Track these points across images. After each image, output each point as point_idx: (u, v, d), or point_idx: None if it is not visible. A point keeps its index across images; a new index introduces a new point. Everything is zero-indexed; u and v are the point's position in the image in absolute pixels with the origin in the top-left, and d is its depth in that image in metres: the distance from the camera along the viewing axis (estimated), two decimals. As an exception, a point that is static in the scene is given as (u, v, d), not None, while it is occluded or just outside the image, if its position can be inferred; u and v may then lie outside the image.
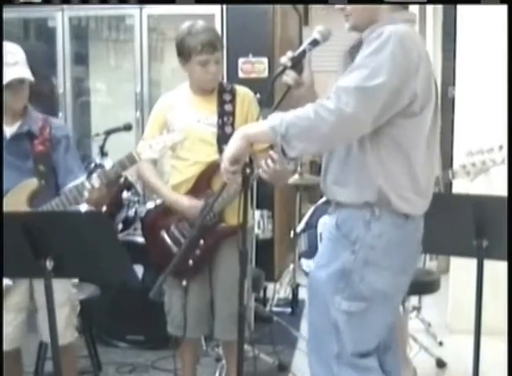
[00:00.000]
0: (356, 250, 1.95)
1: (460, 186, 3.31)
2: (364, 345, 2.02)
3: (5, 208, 2.50)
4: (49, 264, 2.01)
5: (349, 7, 1.96)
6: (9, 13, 4.52)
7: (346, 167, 1.98)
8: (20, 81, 2.51)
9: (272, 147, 2.36)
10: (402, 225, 1.96)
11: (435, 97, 1.96)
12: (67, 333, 2.63)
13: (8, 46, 2.55)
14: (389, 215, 1.94)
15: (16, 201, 2.51)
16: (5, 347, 2.56)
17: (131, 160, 2.46)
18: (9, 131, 2.59)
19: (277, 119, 1.85)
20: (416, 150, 1.94)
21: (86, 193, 2.45)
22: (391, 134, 1.90)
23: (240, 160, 1.95)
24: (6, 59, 2.48)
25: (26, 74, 2.53)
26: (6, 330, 2.54)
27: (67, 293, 2.65)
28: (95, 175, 2.46)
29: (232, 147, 1.93)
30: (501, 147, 2.79)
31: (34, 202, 2.53)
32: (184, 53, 2.69)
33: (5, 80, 2.46)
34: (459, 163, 2.89)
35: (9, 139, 2.58)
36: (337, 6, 1.99)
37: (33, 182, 2.55)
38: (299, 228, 5.12)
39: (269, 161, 2.32)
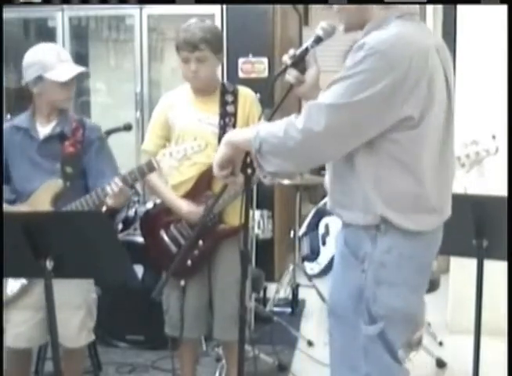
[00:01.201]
0: (365, 268, 1.84)
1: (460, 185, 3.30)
2: (397, 352, 1.90)
3: (30, 208, 2.52)
4: (49, 264, 2.01)
5: (336, 7, 1.89)
6: (9, 13, 4.52)
7: (347, 190, 1.87)
8: (73, 79, 2.57)
9: None
10: (413, 236, 1.82)
11: (448, 100, 1.81)
12: (81, 336, 2.63)
13: (53, 46, 2.69)
14: (397, 228, 1.80)
15: (41, 201, 2.53)
16: (21, 344, 2.59)
17: (150, 167, 2.44)
18: (42, 132, 2.61)
19: (254, 131, 1.80)
20: (422, 164, 1.77)
21: (107, 199, 2.45)
22: (388, 151, 1.76)
23: (228, 165, 1.92)
24: (61, 55, 2.57)
25: (83, 69, 2.61)
26: (22, 328, 2.56)
27: (83, 296, 2.64)
28: (116, 180, 2.44)
29: (218, 153, 1.92)
30: (494, 137, 2.76)
31: (58, 203, 2.54)
32: (176, 49, 2.74)
33: (68, 75, 2.53)
34: (455, 155, 2.86)
35: (42, 141, 2.60)
36: (325, 6, 1.95)
37: (57, 183, 2.56)
38: (300, 232, 5.11)
39: None
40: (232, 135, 1.95)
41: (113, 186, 2.43)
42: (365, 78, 1.66)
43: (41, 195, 2.55)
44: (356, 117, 1.69)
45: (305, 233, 5.36)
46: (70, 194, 2.55)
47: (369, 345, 1.87)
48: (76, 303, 2.58)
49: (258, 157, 1.80)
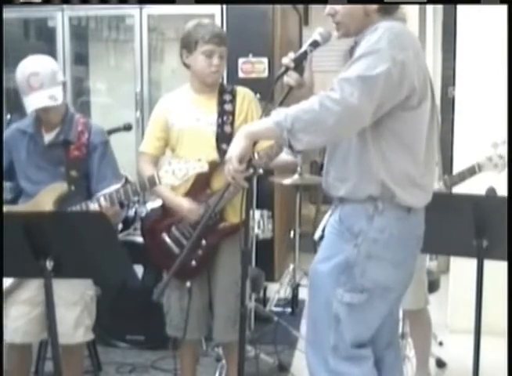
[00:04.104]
0: (359, 243, 1.97)
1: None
2: (362, 336, 2.05)
3: (32, 207, 2.54)
4: (49, 264, 2.01)
5: (340, 16, 1.99)
6: (9, 13, 4.52)
7: (347, 162, 2.00)
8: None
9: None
10: (404, 218, 1.99)
11: (431, 94, 1.99)
12: (77, 333, 2.63)
13: (31, 65, 2.55)
14: (392, 209, 1.97)
15: (44, 202, 2.56)
16: (18, 339, 2.58)
17: (151, 182, 2.50)
18: (46, 138, 2.64)
19: (281, 114, 1.87)
20: (417, 143, 1.97)
21: None
22: (391, 127, 1.93)
23: (245, 159, 1.96)
24: (30, 82, 2.49)
25: (49, 100, 2.50)
26: (19, 322, 2.56)
27: (80, 293, 2.64)
28: (101, 201, 2.48)
29: (237, 147, 1.94)
30: None
31: (62, 205, 2.56)
32: (190, 44, 2.68)
33: (32, 107, 2.50)
34: (486, 155, 2.80)
35: (46, 146, 2.63)
36: (327, 11, 2.01)
37: (62, 186, 2.59)
38: (316, 235, 5.12)
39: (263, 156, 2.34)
40: (248, 127, 2.00)
41: (96, 206, 2.47)
42: (383, 55, 1.83)
43: (45, 196, 2.57)
44: (381, 87, 1.82)
45: (321, 237, 5.35)
46: (75, 197, 2.57)
47: (345, 314, 2.00)
48: (72, 300, 2.58)
49: (290, 137, 1.85)
